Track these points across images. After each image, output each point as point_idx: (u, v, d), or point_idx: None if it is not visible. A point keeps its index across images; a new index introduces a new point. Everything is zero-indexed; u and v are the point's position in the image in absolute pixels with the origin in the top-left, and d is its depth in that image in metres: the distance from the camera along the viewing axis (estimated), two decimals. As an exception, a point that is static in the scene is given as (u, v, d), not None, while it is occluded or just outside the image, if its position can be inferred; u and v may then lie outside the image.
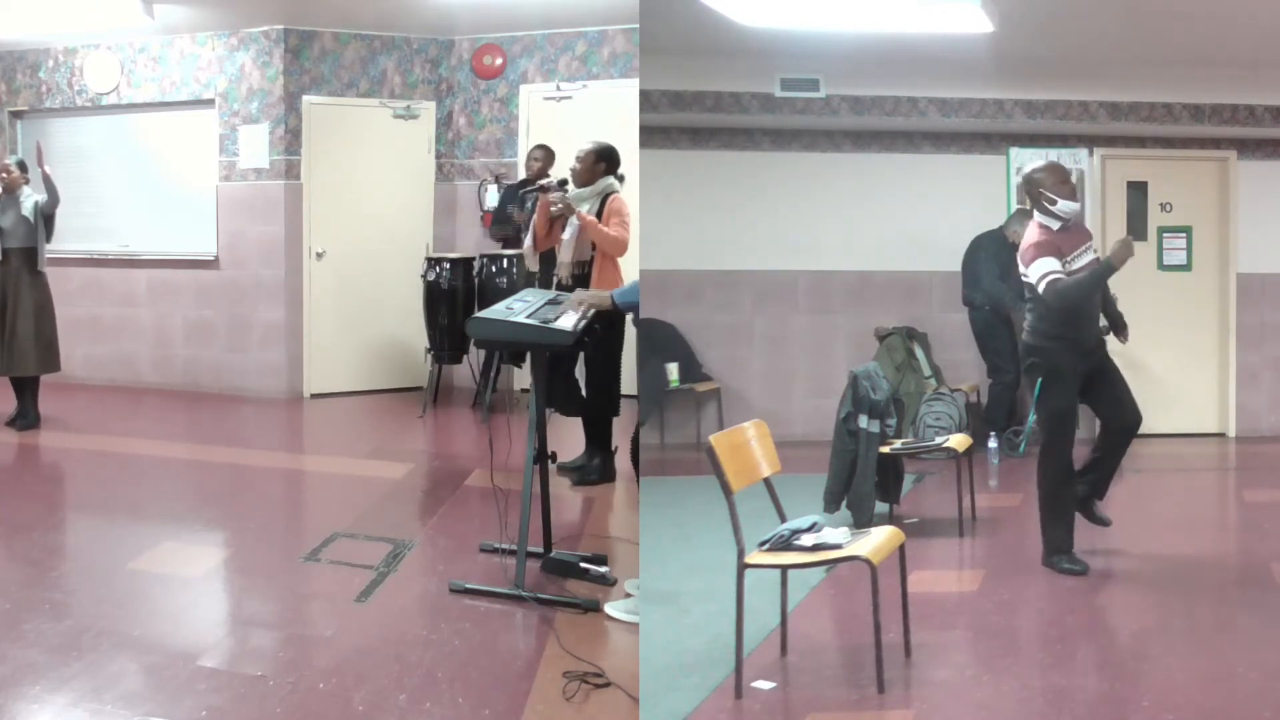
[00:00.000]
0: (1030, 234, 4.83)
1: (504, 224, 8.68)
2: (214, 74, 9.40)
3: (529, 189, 6.58)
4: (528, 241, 6.47)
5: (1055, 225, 4.79)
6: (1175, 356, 8.18)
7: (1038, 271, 4.71)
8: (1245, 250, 8.17)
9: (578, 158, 6.26)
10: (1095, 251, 4.92)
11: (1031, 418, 7.54)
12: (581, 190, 6.20)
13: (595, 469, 6.26)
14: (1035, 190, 4.82)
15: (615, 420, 6.37)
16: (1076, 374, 4.88)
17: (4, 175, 7.70)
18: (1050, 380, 4.84)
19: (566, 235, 6.15)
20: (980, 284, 7.61)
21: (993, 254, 7.60)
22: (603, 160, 6.21)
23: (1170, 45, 6.90)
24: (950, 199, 8.07)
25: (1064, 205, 4.77)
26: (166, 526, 5.56)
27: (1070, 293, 4.71)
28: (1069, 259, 4.77)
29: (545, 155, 8.26)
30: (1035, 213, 4.86)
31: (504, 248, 8.61)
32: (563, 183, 6.29)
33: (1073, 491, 4.96)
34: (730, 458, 3.60)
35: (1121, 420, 5.01)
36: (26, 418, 7.84)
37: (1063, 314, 4.77)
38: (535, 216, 6.41)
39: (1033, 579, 4.87)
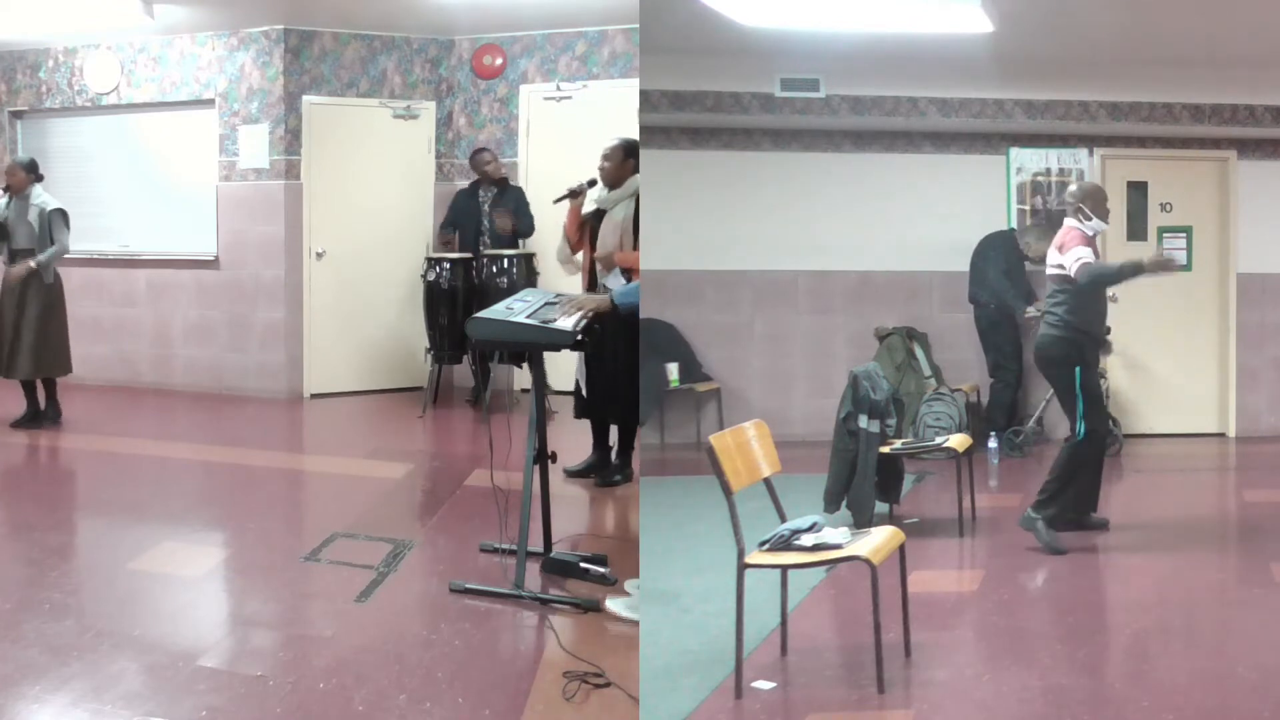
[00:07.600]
0: (1069, 232, 5.22)
1: (451, 228, 8.88)
2: (214, 74, 9.40)
3: (563, 196, 6.31)
4: (562, 249, 6.31)
5: (1089, 233, 5.23)
6: (1175, 356, 8.17)
7: (1073, 255, 5.10)
8: (1245, 250, 8.16)
9: (605, 155, 6.05)
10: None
11: (1034, 417, 7.59)
12: (615, 193, 6.03)
13: (618, 469, 6.26)
14: (1080, 201, 5.24)
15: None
16: (1096, 365, 5.41)
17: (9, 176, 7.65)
18: (1086, 368, 5.20)
19: (609, 244, 6.01)
20: (987, 281, 7.61)
21: (1001, 253, 7.62)
22: (631, 156, 6.03)
23: (1170, 45, 6.90)
24: (950, 199, 8.07)
25: (1096, 223, 5.25)
26: (166, 526, 5.56)
27: (1098, 273, 5.12)
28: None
29: (494, 155, 8.87)
30: (1069, 219, 5.27)
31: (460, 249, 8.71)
32: (591, 183, 6.16)
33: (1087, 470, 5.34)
34: (730, 458, 3.60)
35: (1098, 424, 5.36)
36: (37, 418, 7.79)
37: (1089, 301, 5.18)
38: (565, 222, 6.27)
39: (1033, 579, 4.88)
